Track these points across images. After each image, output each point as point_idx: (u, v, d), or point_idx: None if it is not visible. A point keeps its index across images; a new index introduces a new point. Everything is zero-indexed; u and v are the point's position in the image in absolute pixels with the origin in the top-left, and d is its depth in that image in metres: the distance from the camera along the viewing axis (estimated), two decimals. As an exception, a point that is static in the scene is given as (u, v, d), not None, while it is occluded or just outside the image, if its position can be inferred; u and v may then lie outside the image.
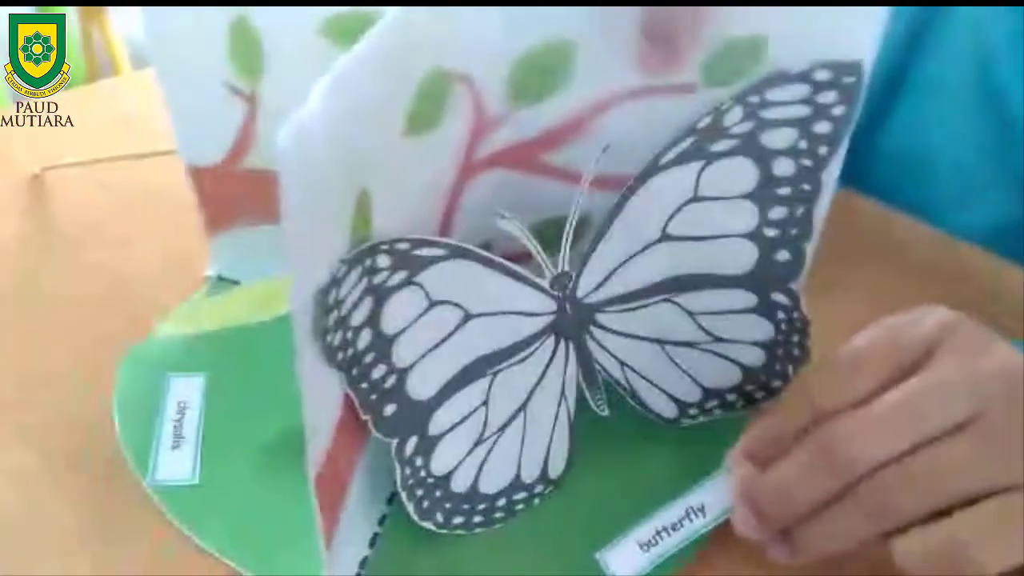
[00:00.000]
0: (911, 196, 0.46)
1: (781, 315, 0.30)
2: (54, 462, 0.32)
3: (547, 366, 0.30)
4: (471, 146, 0.30)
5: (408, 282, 0.25)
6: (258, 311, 0.36)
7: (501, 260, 0.28)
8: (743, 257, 0.30)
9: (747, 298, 0.30)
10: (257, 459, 0.32)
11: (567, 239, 0.29)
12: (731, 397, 0.32)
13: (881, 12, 0.25)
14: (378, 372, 0.26)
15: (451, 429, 0.28)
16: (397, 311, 0.25)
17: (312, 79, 0.29)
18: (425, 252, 0.25)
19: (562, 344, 0.30)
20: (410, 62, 0.24)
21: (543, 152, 0.31)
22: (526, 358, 0.29)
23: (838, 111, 0.27)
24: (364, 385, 0.25)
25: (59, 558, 0.29)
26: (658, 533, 0.29)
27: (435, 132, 0.26)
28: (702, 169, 0.28)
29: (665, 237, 0.29)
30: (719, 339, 0.31)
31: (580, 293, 0.30)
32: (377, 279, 0.24)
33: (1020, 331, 0.37)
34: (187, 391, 0.34)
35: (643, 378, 0.32)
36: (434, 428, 0.28)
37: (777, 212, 0.29)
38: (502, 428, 0.29)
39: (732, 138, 0.27)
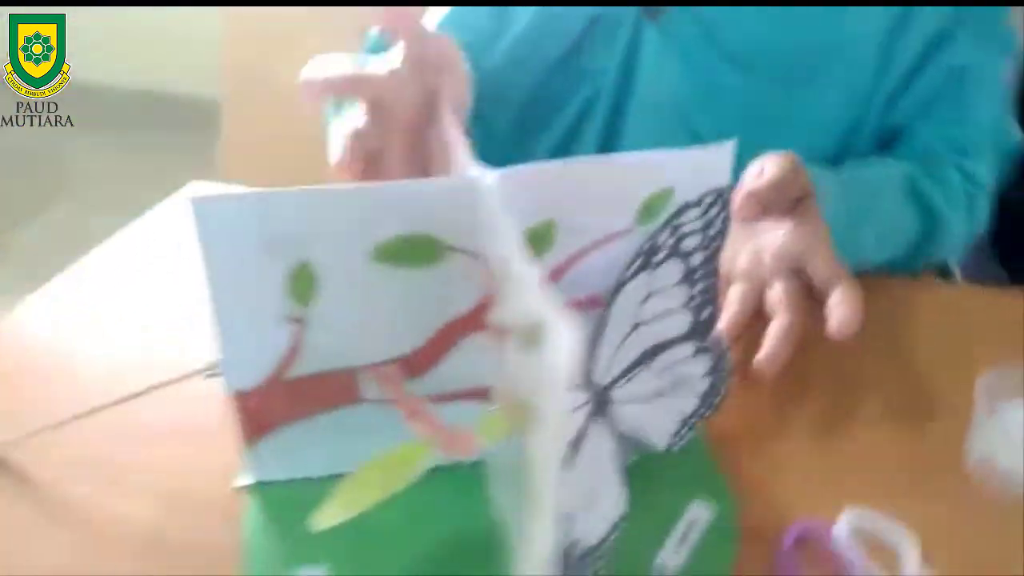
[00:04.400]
0: None
1: (713, 351, 0.45)
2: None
3: (599, 444, 0.41)
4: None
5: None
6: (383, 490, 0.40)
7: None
8: (684, 322, 0.44)
9: (691, 348, 0.45)
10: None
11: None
12: (693, 420, 0.46)
13: (729, 149, 0.40)
14: None
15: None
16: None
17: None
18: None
19: (599, 422, 0.42)
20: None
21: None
22: (585, 444, 0.40)
23: (720, 216, 0.42)
24: None
25: None
26: (682, 536, 0.42)
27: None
28: (650, 274, 0.42)
29: (636, 325, 0.42)
30: (681, 383, 0.45)
31: (596, 379, 0.42)
32: None
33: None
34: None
35: (645, 426, 0.44)
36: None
37: (698, 287, 0.43)
38: (592, 502, 0.40)
39: (664, 249, 0.41)
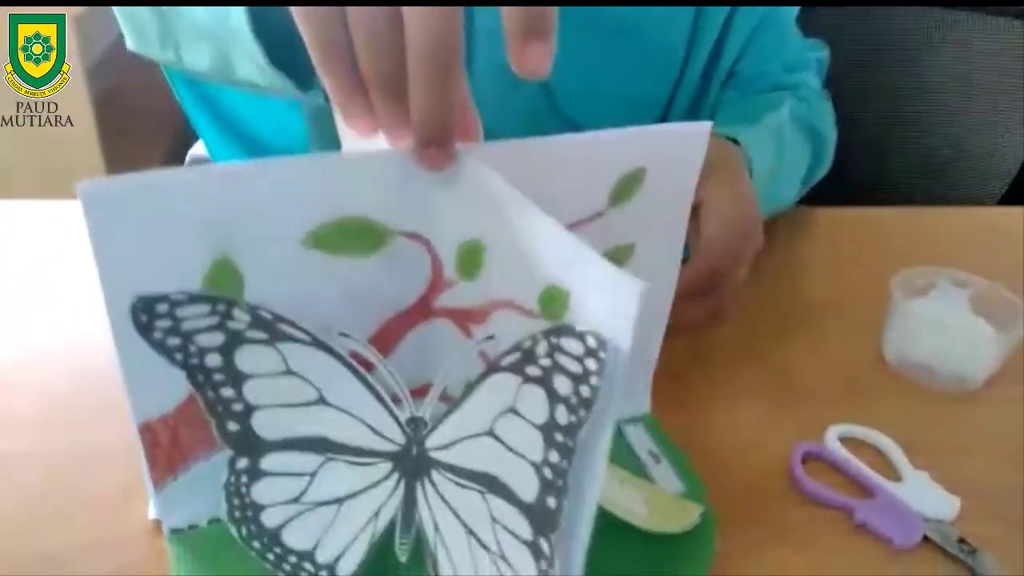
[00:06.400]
0: None
1: (543, 565, 0.29)
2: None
3: (373, 485, 0.34)
4: (429, 293, 0.36)
5: (267, 342, 0.33)
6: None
7: (363, 372, 0.34)
8: (531, 486, 0.30)
9: (528, 531, 0.30)
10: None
11: (436, 391, 0.33)
12: None
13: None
14: (228, 392, 0.34)
15: (278, 475, 0.35)
16: (252, 358, 0.33)
17: (294, 284, 0.33)
18: (287, 329, 0.33)
19: (395, 476, 0.34)
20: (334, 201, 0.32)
21: (473, 323, 0.35)
22: (359, 466, 0.34)
23: (594, 381, 0.26)
24: (211, 394, 0.34)
25: None
26: None
27: (356, 260, 0.34)
28: (520, 385, 0.30)
29: (490, 433, 0.31)
30: (503, 557, 0.31)
31: (429, 444, 0.34)
32: (232, 324, 0.33)
33: None
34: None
35: (448, 554, 0.33)
36: (265, 464, 0.35)
37: (553, 456, 0.29)
38: (315, 505, 0.35)
39: (539, 368, 0.29)
